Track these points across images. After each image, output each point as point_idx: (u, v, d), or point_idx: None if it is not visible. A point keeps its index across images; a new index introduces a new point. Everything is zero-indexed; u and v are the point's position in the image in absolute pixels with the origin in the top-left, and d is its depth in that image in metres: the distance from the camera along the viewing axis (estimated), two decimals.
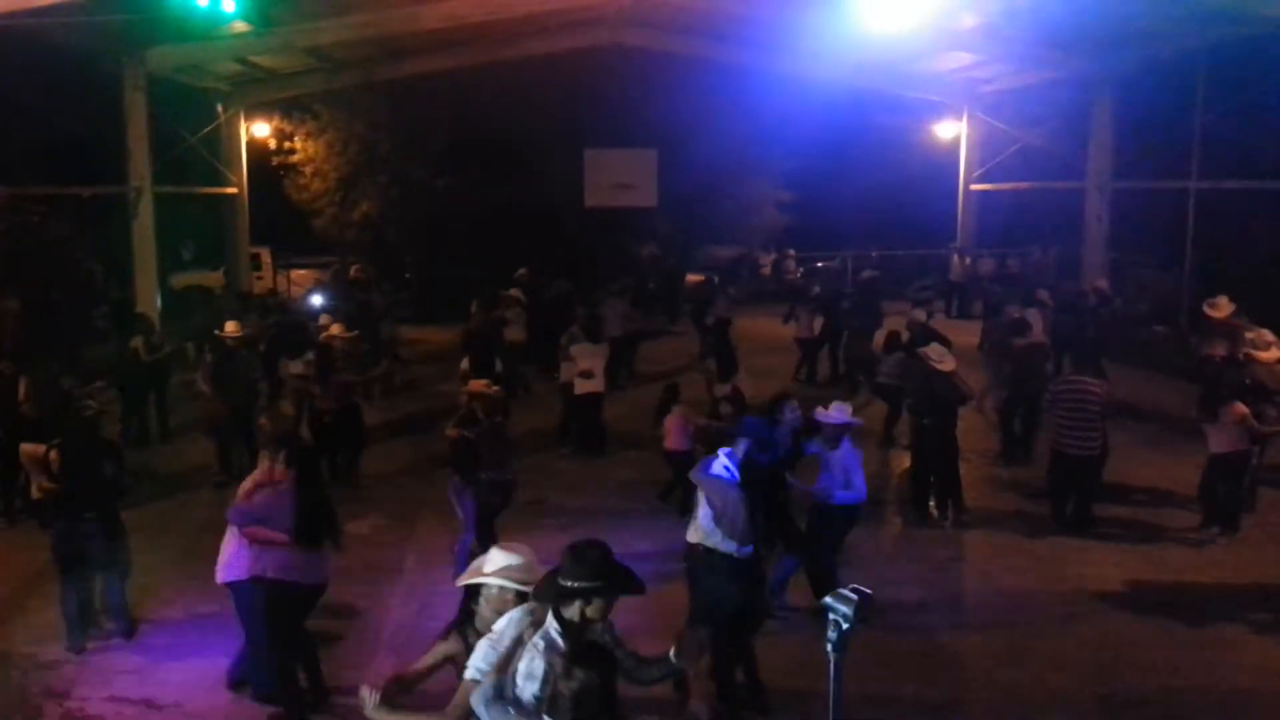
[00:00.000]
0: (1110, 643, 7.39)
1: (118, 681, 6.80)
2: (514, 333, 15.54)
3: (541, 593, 3.84)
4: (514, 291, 16.65)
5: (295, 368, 11.83)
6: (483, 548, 7.32)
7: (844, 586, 3.29)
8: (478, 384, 9.06)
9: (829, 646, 3.27)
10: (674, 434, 10.13)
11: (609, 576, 3.78)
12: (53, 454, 7.52)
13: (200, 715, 6.41)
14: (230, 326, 12.00)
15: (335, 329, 12.71)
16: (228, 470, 11.08)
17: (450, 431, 8.64)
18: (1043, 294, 16.06)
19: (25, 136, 17.41)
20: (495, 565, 4.13)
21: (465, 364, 12.18)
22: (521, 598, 4.04)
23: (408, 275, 24.26)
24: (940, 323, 16.12)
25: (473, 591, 4.24)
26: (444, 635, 4.32)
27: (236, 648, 6.69)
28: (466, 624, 4.25)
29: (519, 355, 15.54)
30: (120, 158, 17.86)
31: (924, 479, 10.16)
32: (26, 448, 9.39)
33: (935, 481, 10.08)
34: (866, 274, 21.14)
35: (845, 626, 3.23)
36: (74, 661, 7.06)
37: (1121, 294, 20.34)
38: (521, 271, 18.91)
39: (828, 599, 3.27)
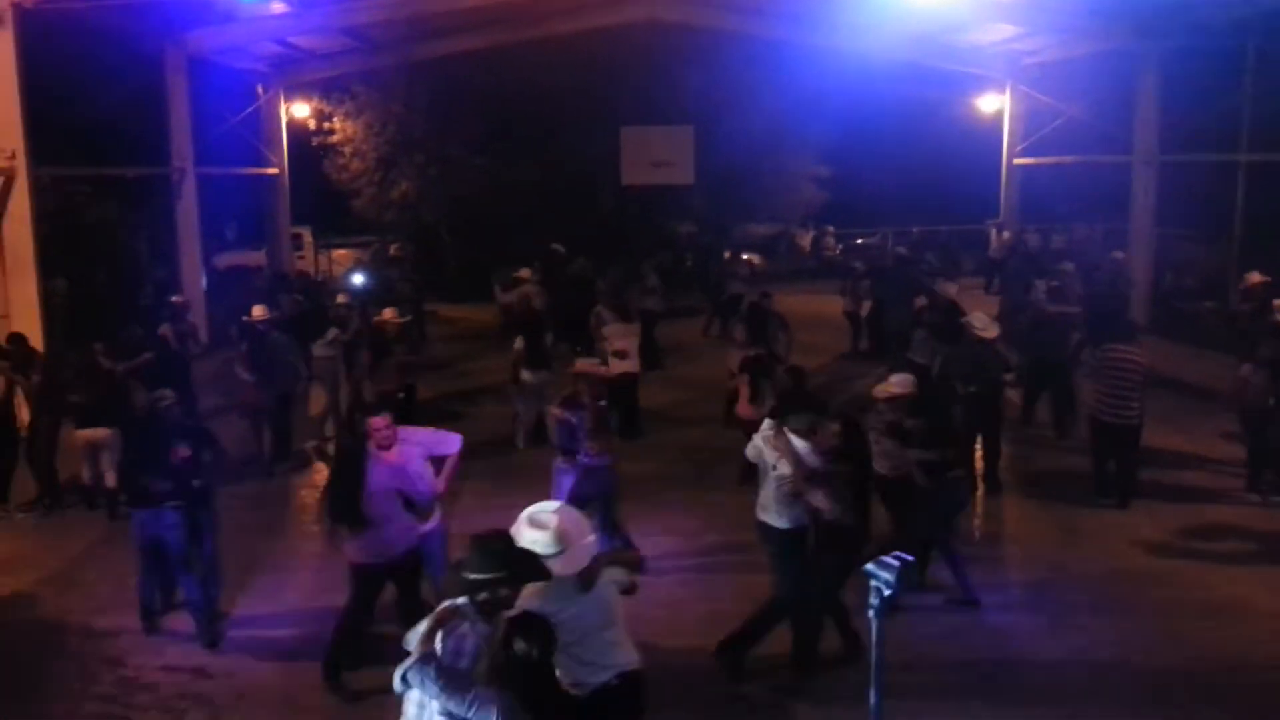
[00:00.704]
0: (1158, 615, 7.30)
1: (170, 651, 6.95)
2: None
3: (449, 586, 3.93)
4: (524, 272, 16.61)
5: (319, 349, 11.85)
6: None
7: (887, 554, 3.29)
8: (584, 364, 8.67)
9: (870, 612, 3.28)
10: (744, 402, 10.16)
11: (512, 566, 3.85)
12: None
13: (251, 685, 6.53)
14: (257, 310, 11.83)
15: (387, 313, 12.36)
16: (275, 453, 11.17)
17: (554, 412, 8.27)
18: (1067, 266, 15.85)
19: (70, 119, 17.67)
20: (526, 539, 4.15)
21: (519, 345, 11.75)
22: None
23: (428, 255, 24.02)
24: (979, 299, 15.99)
25: None
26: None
27: (287, 617, 6.78)
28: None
29: None
30: (163, 139, 18.12)
31: (968, 449, 10.05)
32: (84, 433, 9.61)
33: (981, 451, 10.08)
34: (900, 250, 21.05)
35: (887, 593, 3.24)
36: (129, 631, 7.22)
37: (1169, 270, 20.11)
38: (555, 247, 18.90)
39: (869, 565, 3.28)
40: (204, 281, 19.02)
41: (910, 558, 3.24)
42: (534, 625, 3.92)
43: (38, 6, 12.51)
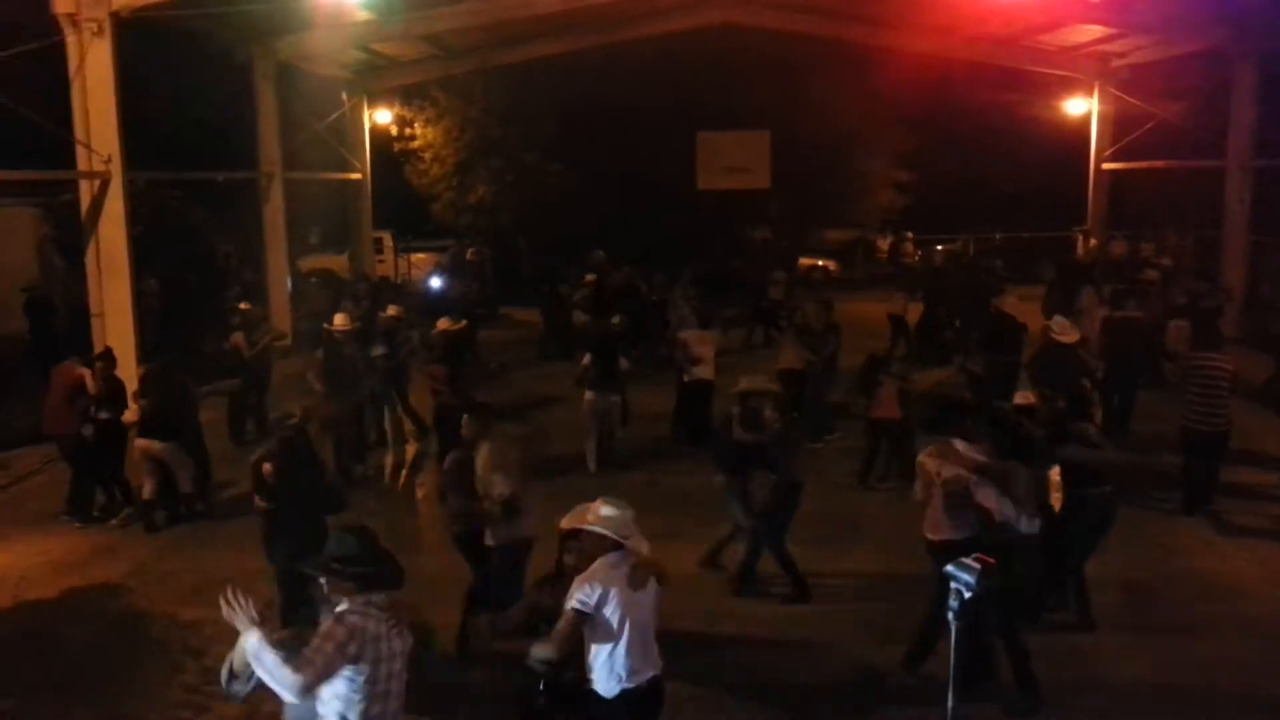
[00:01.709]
0: (1246, 638, 6.97)
1: None
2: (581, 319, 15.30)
3: (312, 565, 4.09)
4: (592, 277, 16.56)
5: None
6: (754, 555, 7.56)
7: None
8: (753, 382, 8.12)
9: (950, 615, 3.19)
10: (886, 403, 10.16)
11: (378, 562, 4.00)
12: (266, 466, 6.92)
13: None
14: (339, 319, 11.41)
15: (443, 323, 11.81)
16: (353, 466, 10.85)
17: (740, 437, 7.80)
18: (1151, 273, 15.55)
19: (163, 125, 18.24)
20: (600, 514, 4.49)
21: (587, 360, 11.00)
22: (616, 547, 4.45)
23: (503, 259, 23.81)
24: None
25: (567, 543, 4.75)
26: (537, 587, 4.85)
27: None
28: (556, 578, 4.75)
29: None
30: (252, 144, 18.62)
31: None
32: (141, 443, 9.54)
33: None
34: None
35: (967, 595, 3.14)
36: (211, 622, 7.38)
37: (1264, 279, 19.33)
38: (597, 253, 18.87)
39: (949, 567, 3.18)
40: (289, 285, 19.47)
41: (992, 561, 3.14)
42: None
43: (133, 16, 12.93)
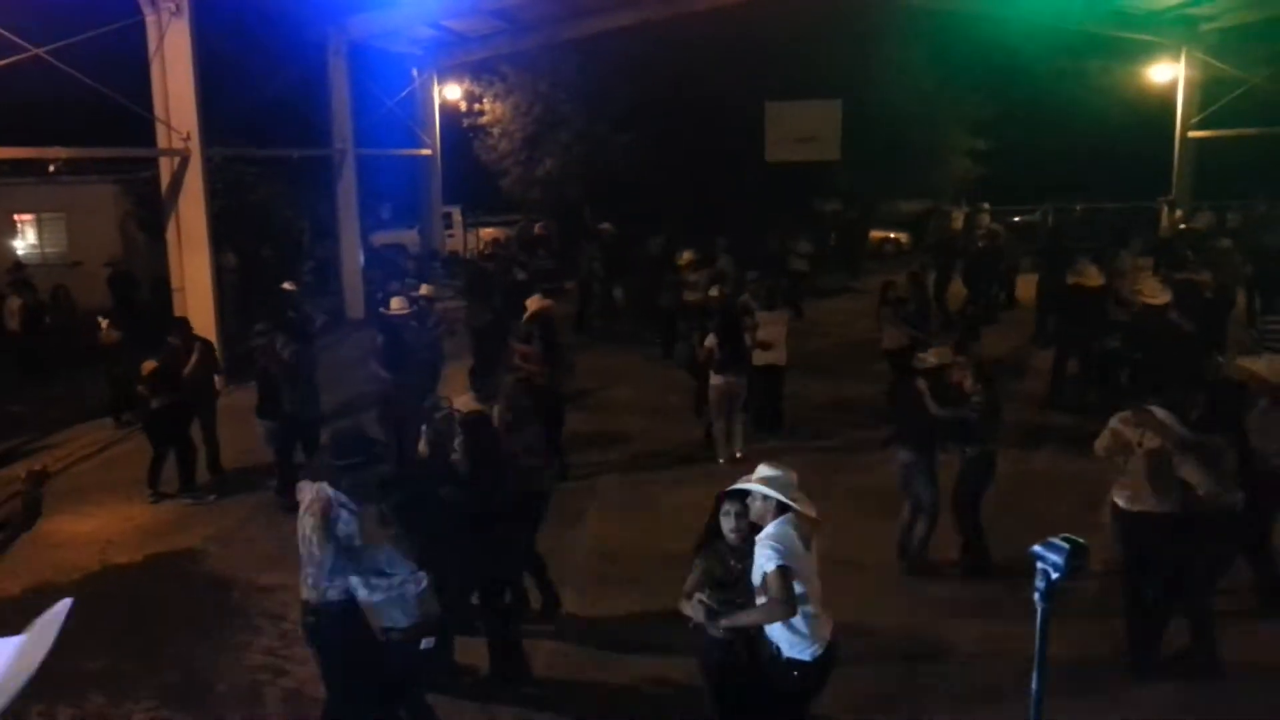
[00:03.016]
0: None
1: None
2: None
3: (317, 472, 4.75)
4: (687, 255, 15.52)
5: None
6: (963, 531, 7.41)
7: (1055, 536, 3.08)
8: (943, 356, 7.74)
9: (1036, 596, 3.08)
10: (890, 336, 10.49)
11: (368, 450, 4.89)
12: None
13: None
14: (395, 303, 11.21)
15: (534, 301, 10.85)
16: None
17: (937, 412, 7.48)
18: (1224, 243, 15.64)
19: (239, 102, 18.59)
20: (761, 475, 4.51)
21: (711, 342, 10.01)
22: (781, 509, 4.43)
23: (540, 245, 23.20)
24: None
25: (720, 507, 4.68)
26: (699, 554, 4.72)
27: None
28: (717, 540, 4.69)
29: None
30: (325, 121, 18.87)
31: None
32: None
33: None
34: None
35: (1054, 576, 3.03)
36: (289, 587, 7.55)
37: None
38: (604, 226, 18.54)
39: (1036, 547, 3.08)
40: (362, 259, 19.77)
41: (1081, 540, 3.03)
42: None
43: None
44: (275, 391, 9.35)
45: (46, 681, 5.21)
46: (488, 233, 27.73)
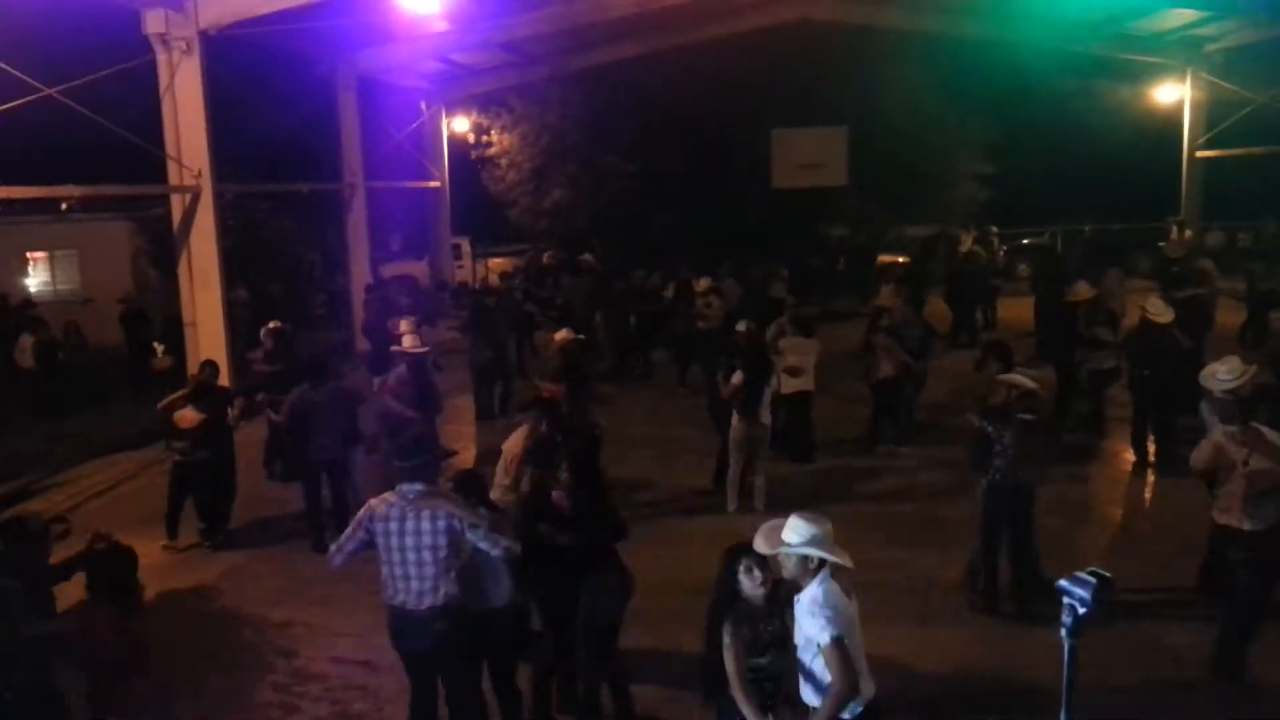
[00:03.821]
0: None
1: (341, 643, 7.18)
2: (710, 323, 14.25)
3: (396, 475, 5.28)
4: (703, 282, 15.44)
5: None
6: (989, 561, 7.16)
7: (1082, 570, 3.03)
8: (1012, 378, 7.42)
9: (1063, 631, 3.03)
10: (883, 365, 10.71)
11: (425, 451, 5.50)
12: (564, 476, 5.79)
13: None
14: (408, 341, 10.58)
15: (562, 335, 10.80)
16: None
17: (973, 422, 7.33)
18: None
19: (250, 138, 18.75)
20: (800, 530, 4.17)
21: (738, 379, 9.28)
22: (821, 565, 4.17)
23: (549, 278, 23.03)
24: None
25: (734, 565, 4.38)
26: (721, 623, 4.40)
27: None
28: (738, 603, 4.38)
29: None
30: (335, 155, 19.01)
31: (1140, 431, 10.24)
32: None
33: (1153, 433, 10.23)
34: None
35: (1082, 611, 2.98)
36: (301, 624, 7.51)
37: None
38: (585, 258, 18.59)
39: (1062, 581, 3.03)
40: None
41: (1107, 574, 2.98)
42: None
43: (220, 34, 13.26)
44: (301, 438, 9.11)
45: (59, 717, 5.17)
46: (497, 263, 27.81)
